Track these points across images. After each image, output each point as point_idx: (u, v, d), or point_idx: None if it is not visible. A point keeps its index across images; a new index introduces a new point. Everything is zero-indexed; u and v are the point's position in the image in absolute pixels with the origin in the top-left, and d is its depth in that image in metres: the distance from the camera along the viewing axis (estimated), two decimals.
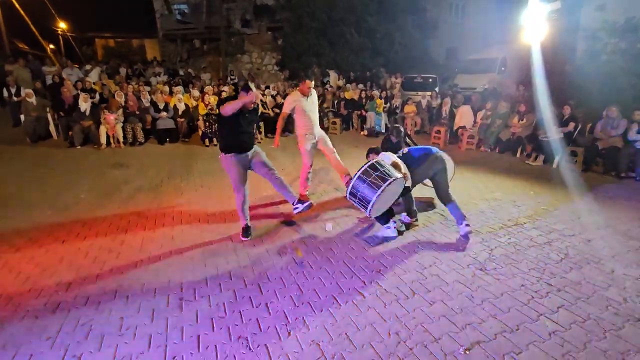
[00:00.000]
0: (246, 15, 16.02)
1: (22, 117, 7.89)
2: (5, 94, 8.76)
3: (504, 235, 3.58)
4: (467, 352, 2.05)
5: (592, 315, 2.36)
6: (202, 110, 8.25)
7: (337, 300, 2.56)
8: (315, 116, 4.35)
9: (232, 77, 13.72)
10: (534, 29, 7.70)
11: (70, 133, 7.53)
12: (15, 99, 8.47)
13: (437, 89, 11.11)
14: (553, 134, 6.27)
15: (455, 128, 8.27)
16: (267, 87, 10.45)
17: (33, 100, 7.92)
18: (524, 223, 3.85)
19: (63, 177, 5.68)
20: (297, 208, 3.70)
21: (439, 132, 8.39)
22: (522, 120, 7.19)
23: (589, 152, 6.08)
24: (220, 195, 4.84)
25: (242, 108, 3.27)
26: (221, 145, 3.45)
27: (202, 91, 9.25)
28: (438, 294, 2.62)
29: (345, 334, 2.22)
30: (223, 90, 9.44)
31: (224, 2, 15.09)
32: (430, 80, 12.03)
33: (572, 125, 6.37)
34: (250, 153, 3.52)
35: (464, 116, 8.20)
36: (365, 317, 2.38)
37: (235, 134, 3.38)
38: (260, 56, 15.90)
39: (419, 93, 10.87)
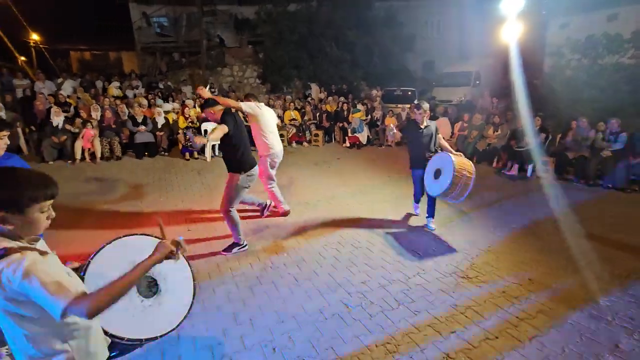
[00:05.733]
0: (222, 34, 16.12)
1: None
2: None
3: (483, 242, 3.67)
4: None
5: (570, 320, 2.44)
6: (182, 124, 8.15)
7: (322, 314, 2.54)
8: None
9: (213, 90, 13.61)
10: (510, 31, 7.87)
11: (41, 148, 7.25)
12: None
13: (415, 102, 11.42)
14: (531, 143, 6.48)
15: None
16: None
17: (2, 114, 7.60)
18: (501, 230, 3.97)
19: None
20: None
21: None
22: (497, 131, 7.49)
23: (560, 161, 6.38)
24: (202, 210, 4.75)
25: None
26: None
27: (182, 104, 9.14)
28: (422, 303, 2.65)
29: (332, 347, 2.20)
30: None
31: (204, 15, 15.07)
32: (409, 93, 12.38)
33: (543, 135, 6.68)
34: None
35: (442, 128, 8.45)
36: (351, 329, 2.37)
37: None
38: (241, 69, 15.91)
39: (399, 105, 11.14)
